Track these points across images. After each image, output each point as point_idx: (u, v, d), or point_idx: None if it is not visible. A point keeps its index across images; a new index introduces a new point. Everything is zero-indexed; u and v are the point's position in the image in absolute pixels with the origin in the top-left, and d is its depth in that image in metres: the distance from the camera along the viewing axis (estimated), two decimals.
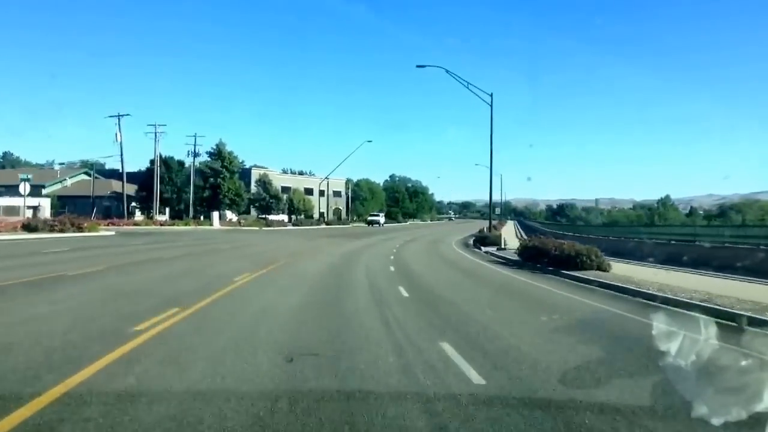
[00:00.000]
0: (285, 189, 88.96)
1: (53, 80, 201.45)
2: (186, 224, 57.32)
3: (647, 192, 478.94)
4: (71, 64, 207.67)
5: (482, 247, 35.72)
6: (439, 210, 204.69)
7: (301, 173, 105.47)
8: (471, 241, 46.80)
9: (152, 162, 68.43)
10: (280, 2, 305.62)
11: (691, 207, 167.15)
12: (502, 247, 32.59)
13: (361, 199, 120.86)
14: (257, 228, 61.50)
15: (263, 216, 77.01)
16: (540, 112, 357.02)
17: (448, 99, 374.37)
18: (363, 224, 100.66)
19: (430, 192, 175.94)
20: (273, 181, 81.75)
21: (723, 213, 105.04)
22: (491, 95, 39.52)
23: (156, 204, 66.37)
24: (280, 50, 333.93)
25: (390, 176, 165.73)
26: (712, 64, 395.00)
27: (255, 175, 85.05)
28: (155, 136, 65.98)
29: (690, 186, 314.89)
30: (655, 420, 4.60)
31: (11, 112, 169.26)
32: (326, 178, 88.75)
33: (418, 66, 39.70)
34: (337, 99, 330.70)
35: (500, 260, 25.62)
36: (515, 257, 25.30)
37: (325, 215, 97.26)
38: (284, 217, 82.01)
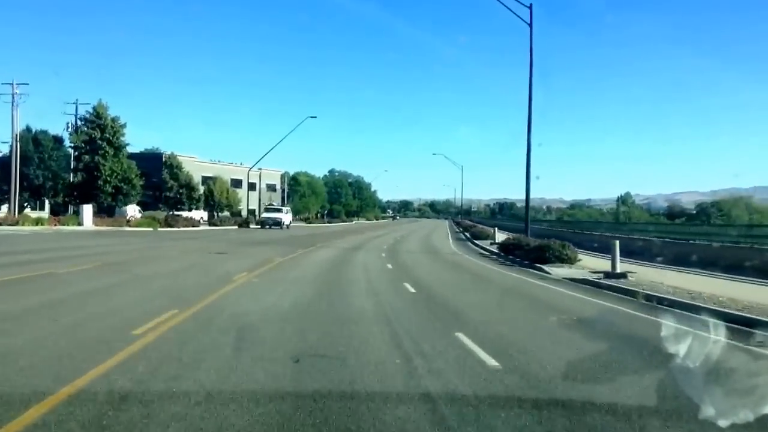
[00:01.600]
0: (208, 180, 70.55)
1: None
2: (38, 222, 38.29)
3: (574, 192, 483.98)
4: None
5: (546, 268, 19.87)
6: (381, 209, 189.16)
7: (230, 164, 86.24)
8: (489, 253, 31.34)
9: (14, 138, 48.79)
10: None
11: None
12: (601, 271, 16.92)
13: (299, 195, 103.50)
14: (150, 228, 43.20)
15: (176, 212, 58.50)
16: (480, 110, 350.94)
17: (396, 97, 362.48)
18: (302, 223, 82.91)
19: (373, 189, 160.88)
20: (185, 166, 62.45)
21: (703, 211, 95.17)
22: (530, 7, 24.34)
23: (14, 193, 46.78)
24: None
25: (329, 171, 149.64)
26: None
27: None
28: (12, 99, 46.55)
29: (610, 187, 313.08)
30: None
31: None
32: (257, 164, 70.49)
33: None
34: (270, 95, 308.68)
35: None
36: None
37: (256, 213, 78.89)
38: (203, 214, 63.75)
